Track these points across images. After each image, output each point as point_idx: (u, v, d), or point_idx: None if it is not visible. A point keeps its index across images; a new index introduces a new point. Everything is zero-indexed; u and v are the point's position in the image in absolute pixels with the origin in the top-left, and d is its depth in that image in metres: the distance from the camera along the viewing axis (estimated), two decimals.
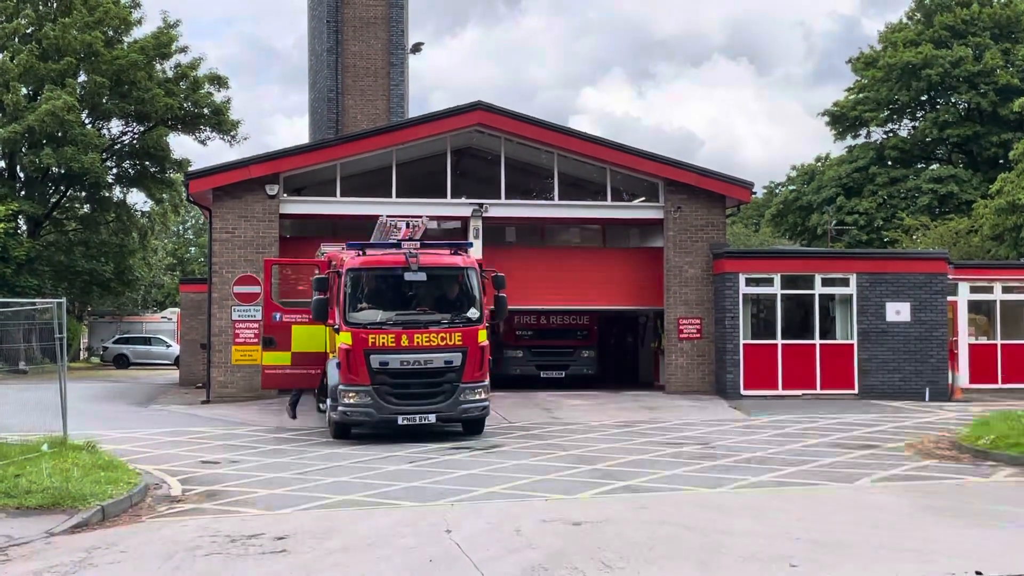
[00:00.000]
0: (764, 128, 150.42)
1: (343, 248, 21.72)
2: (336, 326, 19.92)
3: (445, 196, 29.55)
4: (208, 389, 29.18)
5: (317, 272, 21.85)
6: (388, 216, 21.97)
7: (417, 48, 43.47)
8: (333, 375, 20.08)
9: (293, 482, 15.87)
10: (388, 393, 19.34)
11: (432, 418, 19.60)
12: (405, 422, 19.46)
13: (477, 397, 19.87)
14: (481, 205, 29.09)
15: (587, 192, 32.42)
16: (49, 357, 34.81)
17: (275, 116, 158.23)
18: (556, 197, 30.52)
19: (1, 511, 13.16)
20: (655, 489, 14.92)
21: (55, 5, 51.44)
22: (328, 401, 20.87)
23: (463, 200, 29.66)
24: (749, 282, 29.32)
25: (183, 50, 55.00)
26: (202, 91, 54.67)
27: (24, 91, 50.43)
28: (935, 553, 10.72)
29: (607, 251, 32.62)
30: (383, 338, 19.32)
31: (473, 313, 20.02)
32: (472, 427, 20.77)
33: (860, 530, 11.94)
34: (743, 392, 28.56)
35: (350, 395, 19.37)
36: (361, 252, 20.30)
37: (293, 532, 12.00)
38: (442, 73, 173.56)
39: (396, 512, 13.35)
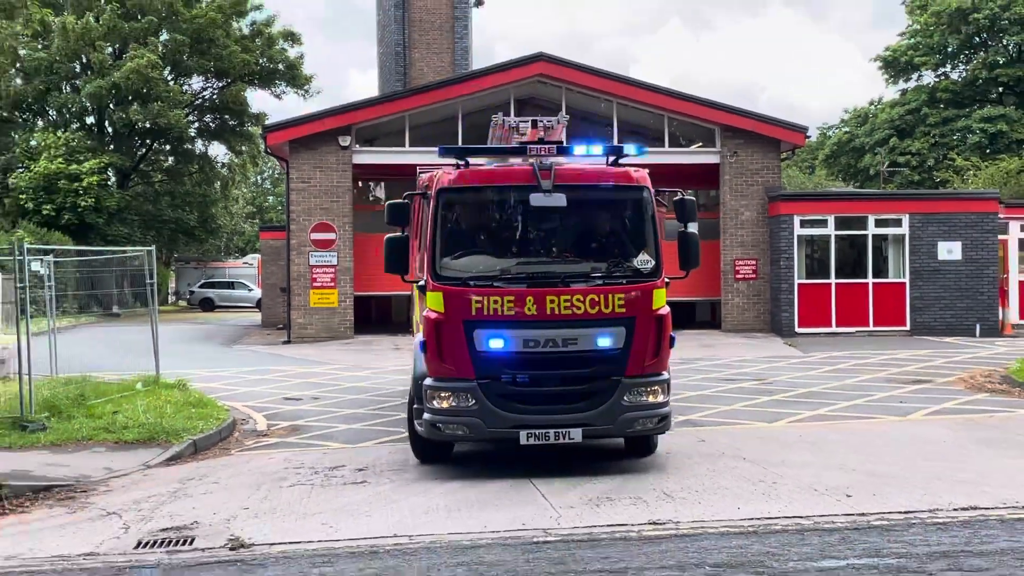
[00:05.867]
0: (821, 73, 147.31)
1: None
2: (423, 283, 11.76)
3: None
4: (288, 330, 29.58)
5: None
6: (504, 116, 14.25)
7: (480, 1, 43.18)
8: (420, 363, 12.00)
9: (370, 417, 16.08)
10: (503, 394, 11.28)
11: (576, 434, 11.26)
12: (532, 441, 11.25)
13: (650, 400, 11.48)
14: None
15: (645, 139, 32.02)
16: (140, 301, 35.51)
17: (349, 70, 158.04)
18: (616, 142, 30.23)
19: (102, 445, 13.52)
20: (714, 423, 14.93)
21: None
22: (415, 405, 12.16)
23: None
24: (803, 224, 28.96)
25: (258, 7, 55.26)
26: (276, 47, 54.89)
27: (109, 50, 50.94)
28: (986, 484, 10.62)
29: (667, 244, 31.18)
30: (495, 302, 11.22)
31: (644, 261, 11.74)
32: (640, 445, 12.42)
33: (913, 462, 11.85)
34: (797, 330, 28.35)
35: (442, 396, 11.38)
36: (463, 163, 12.11)
37: (372, 464, 12.19)
38: (505, 25, 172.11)
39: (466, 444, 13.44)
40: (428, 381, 11.51)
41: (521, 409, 11.30)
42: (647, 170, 12.05)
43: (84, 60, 51.22)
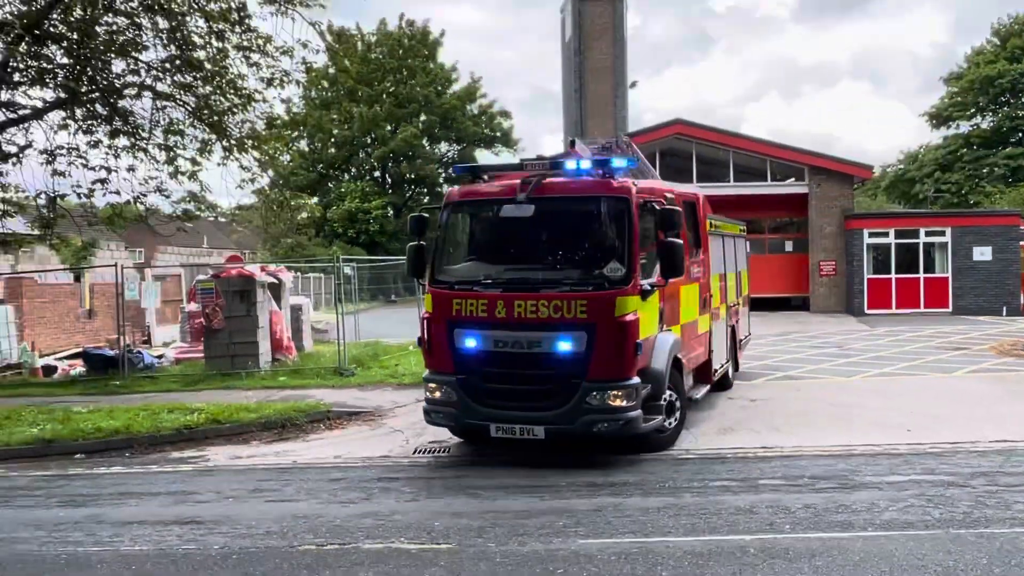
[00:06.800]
0: (882, 126, 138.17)
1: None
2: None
3: None
4: None
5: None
6: (579, 140, 10.60)
7: (634, 85, 42.52)
8: None
9: None
10: (476, 389, 8.58)
11: (539, 431, 8.34)
12: (500, 433, 8.50)
13: (613, 404, 8.18)
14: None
15: (752, 177, 31.00)
16: (409, 292, 36.66)
17: (544, 135, 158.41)
18: (731, 180, 29.43)
19: (389, 386, 14.05)
20: (806, 377, 14.33)
21: (405, 73, 53.34)
22: None
23: None
24: (871, 235, 27.37)
25: (484, 95, 56.19)
26: (496, 121, 55.65)
27: (388, 127, 52.87)
28: (1014, 423, 9.86)
29: (770, 256, 29.69)
30: (471, 305, 8.55)
31: (614, 269, 8.29)
32: (633, 443, 8.85)
33: (956, 407, 11.11)
34: (867, 311, 26.83)
35: (432, 388, 8.93)
36: (478, 179, 9.42)
37: None
38: (652, 100, 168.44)
39: None
40: (425, 373, 9.11)
41: (492, 404, 8.49)
42: (698, 194, 10.64)
43: (372, 135, 53.34)
